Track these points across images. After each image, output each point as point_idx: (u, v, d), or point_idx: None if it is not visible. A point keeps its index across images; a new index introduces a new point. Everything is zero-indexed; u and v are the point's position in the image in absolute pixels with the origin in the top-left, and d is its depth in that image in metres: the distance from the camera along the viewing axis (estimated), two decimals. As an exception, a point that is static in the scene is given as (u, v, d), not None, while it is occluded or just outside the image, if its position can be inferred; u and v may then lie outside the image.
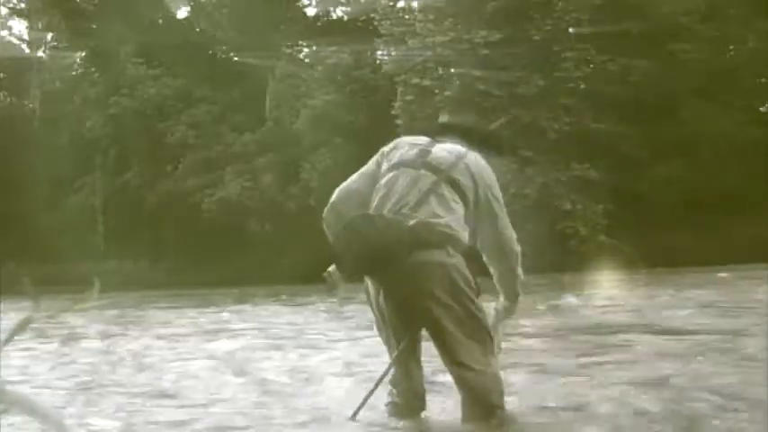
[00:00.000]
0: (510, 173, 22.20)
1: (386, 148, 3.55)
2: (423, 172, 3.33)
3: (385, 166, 3.45)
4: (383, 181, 3.38)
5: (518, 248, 3.48)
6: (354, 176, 3.54)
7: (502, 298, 3.60)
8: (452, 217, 3.27)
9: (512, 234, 3.47)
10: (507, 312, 3.60)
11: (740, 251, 17.35)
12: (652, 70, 23.31)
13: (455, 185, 3.31)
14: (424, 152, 3.41)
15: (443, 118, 3.79)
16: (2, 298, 8.56)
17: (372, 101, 26.15)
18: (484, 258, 3.50)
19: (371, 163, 3.54)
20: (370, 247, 3.16)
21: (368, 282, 3.39)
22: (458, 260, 3.25)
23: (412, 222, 3.21)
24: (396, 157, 3.45)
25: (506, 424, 3.32)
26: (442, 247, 3.22)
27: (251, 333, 8.21)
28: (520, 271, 3.52)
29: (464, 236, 3.29)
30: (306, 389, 4.56)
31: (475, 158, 3.42)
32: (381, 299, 3.34)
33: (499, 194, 3.44)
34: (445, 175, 3.32)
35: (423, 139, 3.53)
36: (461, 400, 3.33)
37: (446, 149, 3.43)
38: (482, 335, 3.29)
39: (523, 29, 23.15)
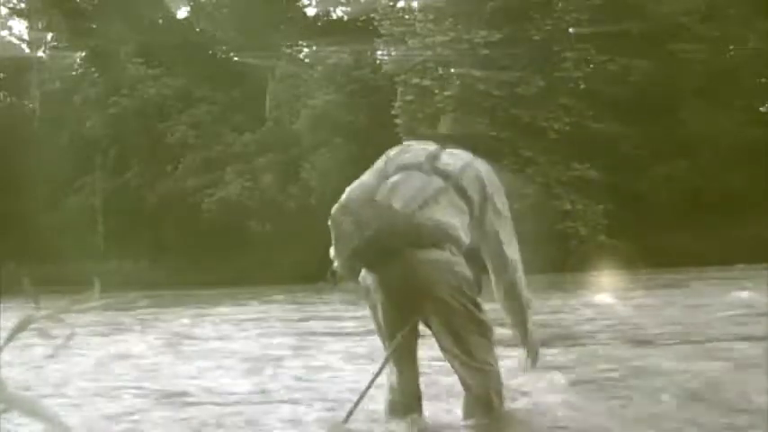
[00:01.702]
0: (510, 173, 22.28)
1: (392, 152, 3.57)
2: (433, 177, 3.36)
3: (392, 168, 3.47)
4: (392, 179, 3.40)
5: (520, 269, 3.42)
6: (363, 177, 3.55)
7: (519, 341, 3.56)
8: (458, 221, 3.30)
9: (514, 253, 3.42)
10: (530, 362, 3.54)
11: (740, 251, 17.35)
12: (652, 70, 23.32)
13: (462, 193, 3.35)
14: (433, 157, 3.44)
15: (443, 129, 3.80)
16: (2, 298, 8.56)
17: (372, 101, 26.15)
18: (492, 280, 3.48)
19: (378, 163, 3.56)
20: (375, 235, 3.19)
21: (366, 277, 3.39)
22: (459, 260, 3.27)
23: (418, 219, 3.24)
24: (404, 159, 3.47)
25: (505, 422, 3.33)
26: (445, 246, 3.25)
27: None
28: (526, 294, 3.44)
29: (466, 240, 3.32)
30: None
31: (482, 167, 3.45)
32: (380, 292, 3.33)
33: (504, 206, 3.44)
34: (454, 182, 3.35)
35: (430, 145, 3.56)
36: (464, 397, 3.35)
37: (454, 156, 3.47)
38: (483, 330, 3.29)
39: (523, 29, 23.16)
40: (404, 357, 3.42)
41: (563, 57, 23.42)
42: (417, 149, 3.52)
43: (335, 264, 3.40)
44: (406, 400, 3.44)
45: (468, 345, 3.25)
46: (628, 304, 9.58)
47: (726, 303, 8.72)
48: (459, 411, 3.41)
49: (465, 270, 3.27)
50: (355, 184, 3.52)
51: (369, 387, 3.40)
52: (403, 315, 3.32)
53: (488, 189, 3.40)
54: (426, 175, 3.37)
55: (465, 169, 3.39)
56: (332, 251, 3.41)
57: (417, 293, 3.24)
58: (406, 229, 3.21)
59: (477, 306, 3.29)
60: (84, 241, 27.20)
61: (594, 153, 22.75)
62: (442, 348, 3.32)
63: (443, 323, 3.25)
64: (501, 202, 3.44)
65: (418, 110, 23.62)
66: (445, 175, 3.36)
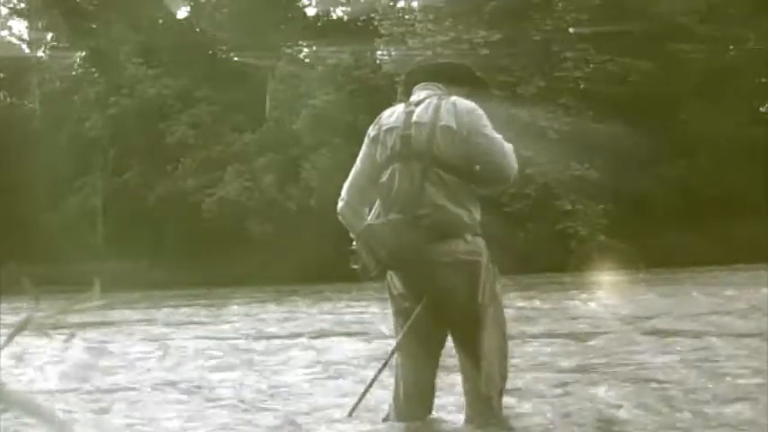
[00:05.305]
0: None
1: (371, 132, 3.55)
2: (413, 163, 3.31)
3: (380, 153, 3.43)
4: (384, 179, 3.38)
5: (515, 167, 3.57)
6: (356, 169, 3.53)
7: None
8: (455, 198, 3.27)
9: (510, 160, 3.52)
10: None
11: (740, 251, 17.35)
12: (652, 70, 23.31)
13: (443, 164, 3.28)
14: (406, 138, 3.35)
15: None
16: (2, 298, 8.56)
17: (372, 101, 26.09)
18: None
19: (366, 150, 3.53)
20: (386, 252, 3.23)
21: (392, 276, 3.41)
22: (475, 245, 3.27)
23: (421, 219, 3.23)
24: (386, 145, 3.42)
25: (506, 423, 3.33)
26: (458, 235, 3.24)
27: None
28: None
29: (473, 213, 3.29)
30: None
31: (450, 110, 3.35)
32: (403, 290, 3.36)
33: (486, 128, 3.37)
34: (430, 157, 3.29)
35: (399, 117, 3.47)
36: (465, 399, 3.34)
37: (421, 123, 3.36)
38: (495, 328, 3.30)
39: (523, 29, 23.16)
40: (430, 358, 3.42)
41: (563, 57, 23.41)
42: (390, 130, 3.45)
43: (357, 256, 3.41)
44: (422, 400, 3.44)
45: (479, 344, 3.25)
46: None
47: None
48: (460, 412, 3.41)
49: (482, 256, 3.26)
50: (351, 179, 3.52)
51: (372, 382, 3.40)
52: (431, 317, 3.32)
53: (465, 126, 3.31)
54: (408, 166, 3.31)
55: (433, 131, 3.31)
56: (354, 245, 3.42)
57: (439, 296, 3.25)
58: (411, 240, 3.22)
59: (497, 300, 3.30)
60: (85, 241, 27.17)
61: (594, 153, 22.72)
62: (456, 344, 3.34)
63: (463, 323, 3.26)
64: (482, 130, 3.36)
65: (418, 110, 23.58)
66: (422, 155, 3.30)
